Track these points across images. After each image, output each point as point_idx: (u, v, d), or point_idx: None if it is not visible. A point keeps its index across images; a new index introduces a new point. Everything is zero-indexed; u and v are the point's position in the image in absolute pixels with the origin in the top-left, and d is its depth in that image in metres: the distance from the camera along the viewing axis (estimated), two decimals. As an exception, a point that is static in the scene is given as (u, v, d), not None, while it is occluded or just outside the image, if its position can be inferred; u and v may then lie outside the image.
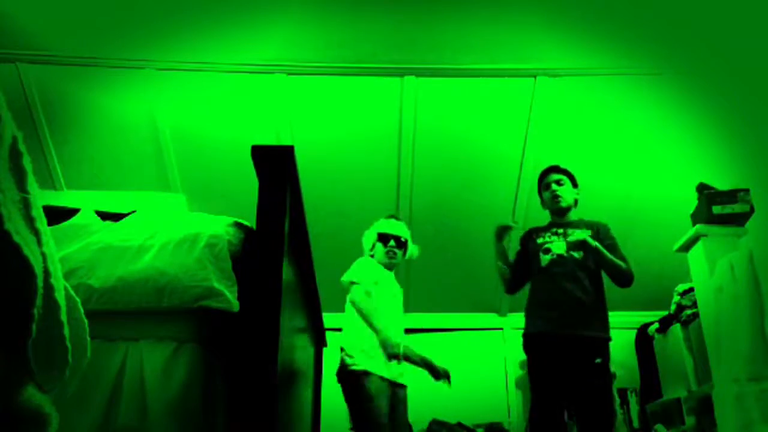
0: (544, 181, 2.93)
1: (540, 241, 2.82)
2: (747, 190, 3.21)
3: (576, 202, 2.90)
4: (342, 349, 2.83)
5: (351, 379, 2.72)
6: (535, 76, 3.93)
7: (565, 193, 2.86)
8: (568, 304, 2.67)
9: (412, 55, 3.81)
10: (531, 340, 2.74)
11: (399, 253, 3.03)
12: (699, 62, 3.53)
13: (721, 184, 3.37)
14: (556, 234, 2.81)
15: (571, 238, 2.72)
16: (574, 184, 2.92)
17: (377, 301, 2.84)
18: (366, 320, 2.78)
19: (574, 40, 3.69)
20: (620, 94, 3.98)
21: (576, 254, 2.73)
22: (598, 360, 2.61)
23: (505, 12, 3.54)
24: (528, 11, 3.51)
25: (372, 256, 3.04)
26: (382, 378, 2.73)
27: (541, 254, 2.78)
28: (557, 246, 2.75)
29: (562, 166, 2.99)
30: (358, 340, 2.79)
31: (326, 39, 3.72)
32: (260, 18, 3.56)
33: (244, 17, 3.54)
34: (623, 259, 2.79)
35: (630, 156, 4.23)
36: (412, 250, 3.15)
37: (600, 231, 2.83)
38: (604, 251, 2.70)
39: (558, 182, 2.88)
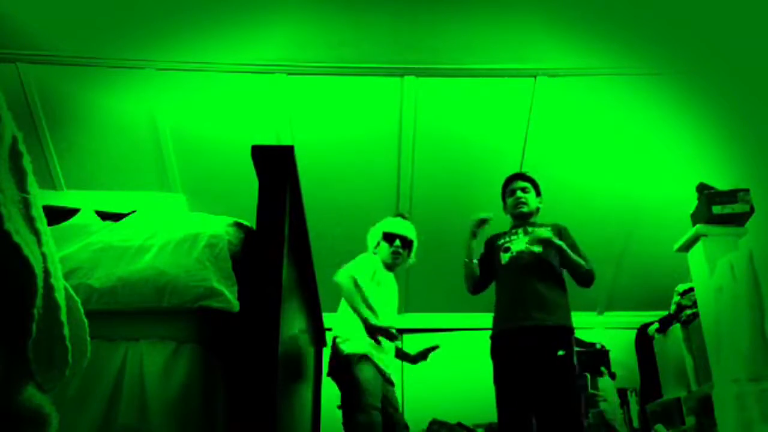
0: (509, 187, 2.95)
1: (500, 242, 2.86)
2: (747, 190, 3.21)
3: (538, 210, 2.93)
4: (335, 338, 2.82)
5: (345, 363, 2.71)
6: (535, 76, 3.93)
7: (530, 199, 2.90)
8: (529, 296, 2.66)
9: (412, 55, 3.81)
10: (495, 342, 2.75)
11: (404, 253, 2.99)
12: (699, 62, 3.53)
13: (721, 184, 3.37)
14: (516, 234, 2.84)
15: (533, 235, 2.74)
16: (538, 193, 2.95)
17: (369, 293, 2.80)
18: (348, 301, 2.74)
19: (574, 40, 3.69)
20: (620, 94, 3.98)
21: (535, 248, 2.74)
22: (560, 352, 2.55)
23: (505, 12, 3.54)
24: (528, 11, 3.51)
25: (375, 254, 3.00)
26: (376, 366, 2.72)
27: (501, 253, 2.82)
28: (516, 243, 2.78)
29: (528, 174, 3.02)
30: (351, 327, 2.77)
31: (326, 39, 3.72)
32: (260, 18, 3.56)
33: (244, 17, 3.54)
34: (584, 258, 2.79)
35: (630, 156, 4.23)
36: (413, 255, 3.08)
37: (561, 232, 2.85)
38: (567, 249, 2.71)
39: (523, 189, 2.91)
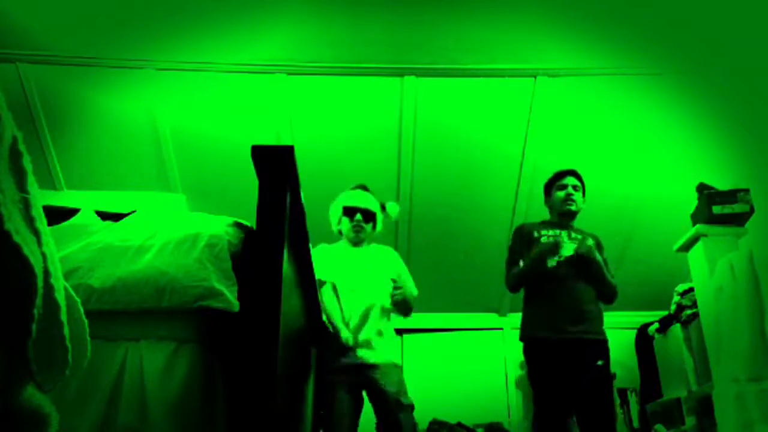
0: (560, 181, 2.89)
1: (545, 240, 2.79)
2: (747, 190, 3.21)
3: (579, 211, 2.91)
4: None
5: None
6: (535, 76, 3.93)
7: (579, 199, 2.87)
8: (575, 306, 2.67)
9: (412, 55, 3.81)
10: (534, 344, 2.73)
11: (367, 227, 2.84)
12: (699, 62, 3.53)
13: (721, 184, 3.37)
14: (559, 236, 2.78)
15: (583, 245, 2.69)
16: (584, 194, 2.93)
17: (339, 283, 2.73)
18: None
19: (574, 40, 3.69)
20: (620, 94, 3.98)
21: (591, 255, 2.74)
22: (600, 362, 2.63)
23: (505, 12, 3.54)
24: (528, 11, 3.51)
25: (339, 232, 2.90)
26: (342, 365, 2.64)
27: (548, 255, 2.74)
28: (566, 248, 2.72)
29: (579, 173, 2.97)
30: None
31: (326, 39, 3.72)
32: (260, 18, 3.56)
33: (244, 17, 3.54)
34: (611, 275, 2.82)
35: (630, 156, 4.23)
36: (391, 209, 2.93)
37: (600, 245, 2.85)
38: (603, 266, 2.72)
39: (575, 187, 2.87)
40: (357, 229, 2.82)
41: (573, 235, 2.80)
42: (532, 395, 2.77)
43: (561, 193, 2.86)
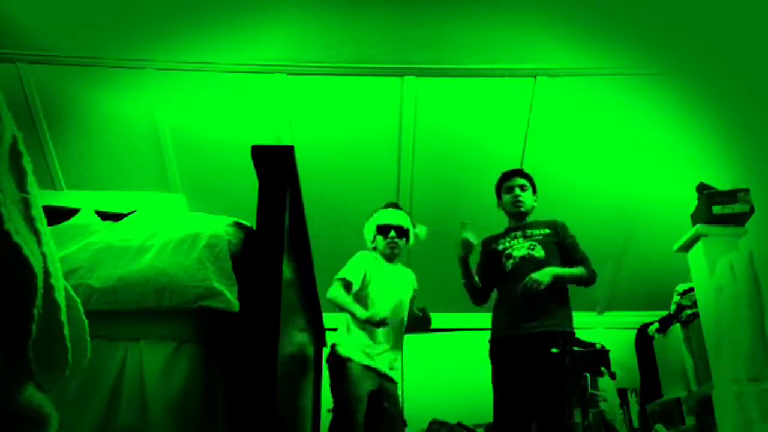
0: (506, 184, 2.93)
1: (501, 247, 2.84)
2: (747, 190, 3.21)
3: (533, 208, 2.92)
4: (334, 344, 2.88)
5: (337, 363, 2.79)
6: (535, 76, 3.93)
7: (527, 198, 2.89)
8: (534, 302, 2.66)
9: (411, 55, 3.81)
10: (496, 345, 2.75)
11: (401, 242, 3.00)
12: (699, 62, 3.53)
13: (721, 184, 3.36)
14: (515, 238, 2.84)
15: (530, 280, 2.63)
16: (534, 191, 2.94)
17: (373, 293, 2.86)
18: (344, 310, 2.80)
19: (574, 40, 3.69)
20: (620, 94, 3.97)
21: (537, 254, 2.74)
22: (554, 350, 2.57)
23: (505, 12, 3.54)
24: (528, 11, 3.51)
25: (374, 248, 3.03)
26: (365, 366, 2.76)
27: (503, 260, 2.81)
28: (518, 249, 2.78)
29: (525, 170, 3.02)
30: (344, 331, 2.87)
31: (326, 39, 3.72)
32: (260, 18, 3.56)
33: (244, 17, 3.54)
34: (584, 258, 2.80)
35: (630, 156, 4.23)
36: (420, 231, 3.09)
37: (558, 230, 2.85)
38: (565, 274, 2.70)
39: (522, 187, 2.89)
40: (392, 245, 2.98)
41: (528, 232, 2.83)
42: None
43: (508, 197, 2.91)
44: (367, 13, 3.55)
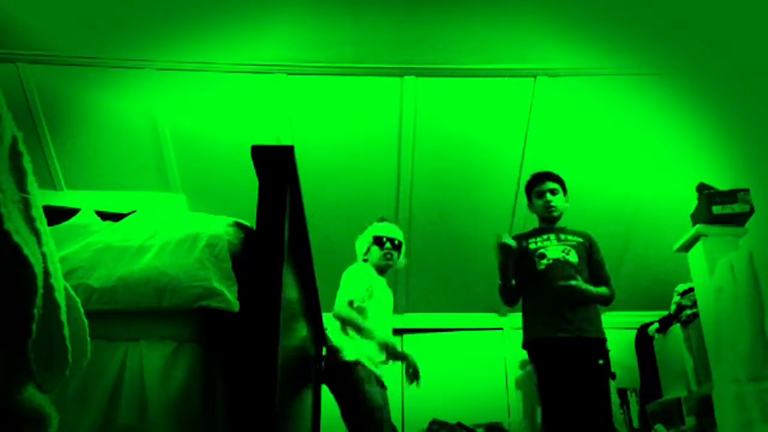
0: (537, 188, 2.93)
1: (533, 246, 2.84)
2: (747, 190, 3.21)
3: (565, 209, 2.94)
4: (330, 347, 2.86)
5: (344, 370, 2.76)
6: (535, 76, 3.93)
7: (558, 202, 2.89)
8: (571, 305, 2.68)
9: (412, 55, 3.81)
10: (535, 347, 2.76)
11: (395, 255, 3.03)
12: (698, 62, 3.52)
13: (721, 184, 3.36)
14: (548, 239, 2.84)
15: (563, 283, 2.69)
16: (565, 192, 2.94)
17: (371, 306, 2.88)
18: (353, 327, 2.82)
19: (574, 40, 3.69)
20: (620, 94, 3.98)
21: (572, 259, 2.75)
22: (600, 361, 2.64)
23: (505, 12, 3.54)
24: (528, 11, 3.51)
25: (366, 260, 3.04)
26: (372, 373, 2.78)
27: (536, 259, 2.80)
28: (552, 250, 2.78)
29: (555, 173, 3.00)
30: (341, 334, 2.87)
31: (326, 39, 3.72)
32: (260, 18, 3.56)
33: (244, 17, 3.54)
34: (607, 278, 2.84)
35: (630, 156, 4.23)
36: (402, 258, 3.13)
37: (592, 244, 2.87)
38: (593, 291, 2.72)
39: (553, 191, 2.89)
40: (388, 256, 3.00)
41: (562, 236, 2.84)
42: (540, 403, 2.80)
43: (540, 201, 2.91)
44: (367, 13, 3.55)
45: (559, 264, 2.74)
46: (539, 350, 2.74)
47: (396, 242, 3.04)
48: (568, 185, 3.00)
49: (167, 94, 4.01)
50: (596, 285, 2.78)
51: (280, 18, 3.58)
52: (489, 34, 3.69)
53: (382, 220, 3.17)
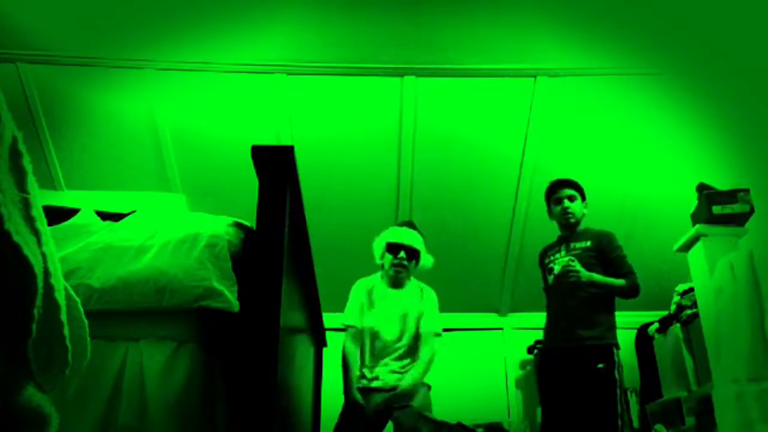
0: (555, 195, 2.94)
1: (547, 260, 2.92)
2: (747, 190, 3.21)
3: (583, 216, 2.95)
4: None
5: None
6: (535, 76, 3.93)
7: (576, 209, 2.89)
8: (570, 315, 2.74)
9: (412, 55, 3.81)
10: (542, 357, 2.83)
11: (410, 265, 2.89)
12: (699, 62, 3.52)
13: (721, 184, 3.36)
14: (559, 251, 2.90)
15: (556, 268, 2.75)
16: (583, 198, 2.95)
17: (372, 316, 2.86)
18: (346, 368, 2.84)
19: (574, 40, 3.69)
20: (620, 94, 3.98)
21: (575, 267, 2.76)
22: (600, 365, 2.64)
23: (505, 12, 3.54)
24: (528, 11, 3.51)
25: (382, 266, 2.97)
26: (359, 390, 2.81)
27: (548, 275, 2.89)
28: (558, 264, 2.80)
29: (573, 179, 3.00)
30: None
31: (326, 39, 3.72)
32: (260, 18, 3.56)
33: (244, 17, 3.54)
34: (629, 272, 2.81)
35: (630, 156, 4.23)
36: (425, 260, 2.97)
37: (602, 243, 2.85)
38: (594, 278, 2.72)
39: (570, 198, 2.89)
40: (398, 268, 2.87)
41: (571, 245, 2.86)
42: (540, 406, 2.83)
43: (558, 208, 2.93)
44: (366, 13, 3.55)
45: (563, 277, 2.77)
46: (543, 360, 2.80)
47: (412, 249, 2.88)
48: (568, 185, 3.01)
49: (167, 94, 4.01)
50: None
51: (279, 18, 3.58)
52: (489, 34, 3.69)
53: (402, 224, 3.03)
